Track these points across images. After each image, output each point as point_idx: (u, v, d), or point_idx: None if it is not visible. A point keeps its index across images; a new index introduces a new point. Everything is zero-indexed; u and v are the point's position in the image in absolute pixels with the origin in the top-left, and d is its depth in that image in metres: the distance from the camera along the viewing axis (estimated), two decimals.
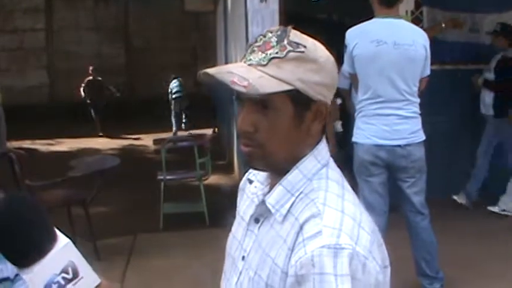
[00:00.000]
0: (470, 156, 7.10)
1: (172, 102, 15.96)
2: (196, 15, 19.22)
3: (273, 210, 1.38)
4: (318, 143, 1.43)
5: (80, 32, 21.48)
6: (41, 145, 13.96)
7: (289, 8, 7.08)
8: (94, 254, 5.77)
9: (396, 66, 4.23)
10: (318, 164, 1.40)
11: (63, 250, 1.17)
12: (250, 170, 1.59)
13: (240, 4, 7.66)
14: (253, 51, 1.36)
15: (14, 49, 20.59)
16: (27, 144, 13.54)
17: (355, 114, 4.50)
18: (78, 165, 6.66)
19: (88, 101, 15.51)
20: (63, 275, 1.15)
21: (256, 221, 1.44)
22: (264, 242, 1.39)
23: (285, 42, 1.34)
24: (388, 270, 1.39)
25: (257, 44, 1.37)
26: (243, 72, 1.31)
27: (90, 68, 15.80)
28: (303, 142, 1.40)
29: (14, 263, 1.22)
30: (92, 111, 15.44)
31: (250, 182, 1.55)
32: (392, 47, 4.22)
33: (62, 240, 1.20)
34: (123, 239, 6.51)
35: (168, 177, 6.99)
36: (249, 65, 1.34)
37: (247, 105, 1.36)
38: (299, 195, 1.37)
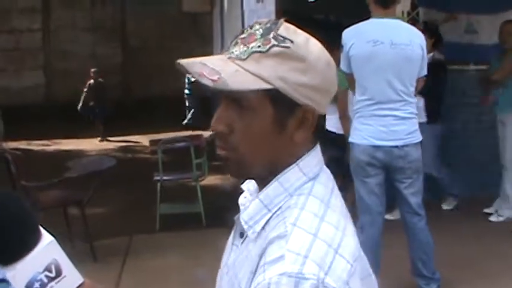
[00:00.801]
0: (471, 156, 7.13)
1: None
2: (194, 16, 19.21)
3: (245, 227, 1.22)
4: (305, 153, 1.26)
5: (77, 32, 21.46)
6: (37, 146, 13.93)
7: (285, 9, 7.08)
8: (90, 255, 5.76)
9: (393, 66, 4.22)
10: (303, 177, 1.23)
11: (47, 248, 1.16)
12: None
13: (237, 5, 7.66)
14: (236, 43, 1.22)
15: (10, 49, 20.56)
16: (23, 144, 13.51)
17: (352, 114, 4.50)
18: (75, 166, 6.66)
19: (91, 104, 15.39)
20: (46, 273, 1.13)
21: (241, 235, 1.28)
22: (237, 260, 1.26)
23: (271, 35, 1.20)
24: None
25: (242, 36, 1.23)
26: (218, 65, 1.18)
27: (92, 70, 15.65)
28: (284, 151, 1.23)
29: None
30: (91, 114, 15.29)
31: (242, 191, 1.39)
32: (389, 47, 4.21)
33: (46, 238, 1.18)
34: (119, 240, 6.50)
35: (164, 177, 6.98)
36: (229, 58, 1.21)
37: (223, 103, 1.23)
38: (276, 211, 1.21)
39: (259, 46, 1.19)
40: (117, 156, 11.69)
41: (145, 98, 18.73)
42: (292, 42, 1.19)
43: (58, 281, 1.13)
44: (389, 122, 4.28)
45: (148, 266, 5.64)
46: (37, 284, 1.11)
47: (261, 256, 1.15)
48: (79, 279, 1.19)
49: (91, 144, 14.19)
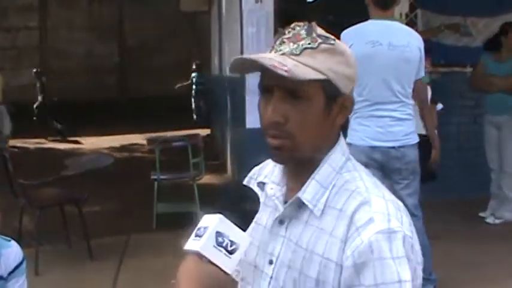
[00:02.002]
0: (467, 158, 7.15)
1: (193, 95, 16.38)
2: (192, 16, 19.22)
3: (310, 206, 1.38)
4: (338, 136, 1.45)
5: (74, 31, 21.46)
6: (34, 144, 13.92)
7: (284, 9, 7.09)
8: (87, 254, 5.77)
9: (391, 67, 4.23)
10: (343, 158, 1.42)
11: (244, 235, 1.27)
12: (253, 174, 1.61)
13: (235, 5, 7.67)
14: (283, 42, 1.38)
15: (7, 48, 20.55)
16: (20, 142, 13.50)
17: (350, 115, 4.49)
18: (72, 164, 6.67)
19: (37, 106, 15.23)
20: (230, 243, 1.25)
21: (281, 222, 1.43)
22: (303, 240, 1.38)
23: (314, 34, 1.37)
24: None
25: (286, 36, 1.39)
26: (280, 59, 1.32)
27: (33, 71, 15.54)
28: (328, 134, 1.42)
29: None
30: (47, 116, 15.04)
31: (263, 184, 1.52)
32: (388, 48, 4.22)
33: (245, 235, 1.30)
34: (116, 239, 6.50)
35: (162, 177, 6.98)
36: (282, 54, 1.36)
37: (278, 95, 1.36)
38: (332, 188, 1.38)
39: (309, 43, 1.36)
40: (115, 154, 11.69)
41: (141, 97, 18.73)
42: (334, 40, 1.39)
43: (225, 254, 1.24)
44: (386, 123, 4.29)
45: (145, 265, 5.65)
46: (220, 239, 1.23)
47: (349, 225, 1.31)
48: (231, 270, 1.26)
49: (88, 143, 14.18)
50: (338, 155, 1.42)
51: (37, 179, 6.12)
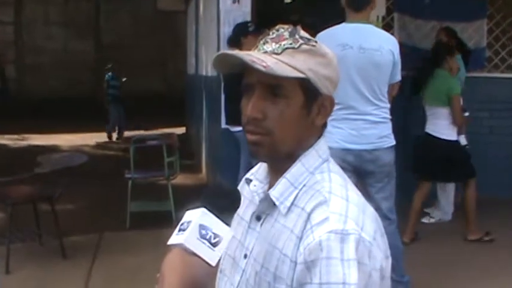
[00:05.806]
0: None
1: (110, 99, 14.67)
2: (168, 14, 19.17)
3: (277, 203, 1.41)
4: (319, 137, 1.47)
5: (50, 27, 21.29)
6: (8, 140, 13.79)
7: (261, 10, 7.10)
8: (60, 252, 5.73)
9: (361, 71, 4.21)
10: (319, 159, 1.44)
11: (227, 229, 1.30)
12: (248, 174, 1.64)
13: (212, 4, 7.66)
14: (266, 42, 1.43)
15: None
16: None
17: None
18: (46, 161, 6.61)
19: None
20: (213, 235, 1.26)
21: (258, 218, 1.48)
22: (270, 236, 1.41)
23: (297, 36, 1.42)
24: (390, 260, 1.43)
25: (270, 36, 1.43)
26: (261, 57, 1.37)
27: None
28: (307, 134, 1.44)
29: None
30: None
31: (249, 181, 1.57)
32: (358, 52, 4.19)
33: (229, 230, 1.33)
34: (89, 237, 6.46)
35: (136, 175, 6.96)
36: (264, 52, 1.40)
37: (258, 92, 1.40)
38: (302, 188, 1.41)
39: (290, 43, 1.40)
40: (89, 152, 11.61)
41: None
42: (316, 42, 1.44)
43: (209, 247, 1.25)
44: (360, 126, 4.28)
45: (118, 263, 5.62)
46: (204, 232, 1.25)
47: (305, 222, 1.34)
48: (214, 263, 1.27)
49: (63, 140, 14.06)
50: (314, 156, 1.44)
51: (10, 175, 6.07)
